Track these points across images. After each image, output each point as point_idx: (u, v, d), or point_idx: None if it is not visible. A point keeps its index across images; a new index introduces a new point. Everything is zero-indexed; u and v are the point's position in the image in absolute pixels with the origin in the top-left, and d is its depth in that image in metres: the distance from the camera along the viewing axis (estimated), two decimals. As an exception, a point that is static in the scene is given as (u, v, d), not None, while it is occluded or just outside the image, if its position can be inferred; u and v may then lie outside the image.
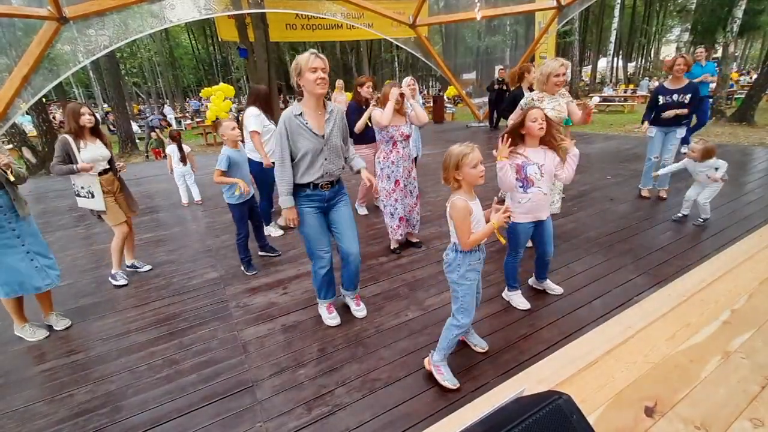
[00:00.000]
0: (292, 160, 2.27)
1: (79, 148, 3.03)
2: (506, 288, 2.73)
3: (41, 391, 2.16)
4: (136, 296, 3.16)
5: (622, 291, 2.75)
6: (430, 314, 2.62)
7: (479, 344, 2.25)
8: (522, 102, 3.34)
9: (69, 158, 3.00)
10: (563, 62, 3.04)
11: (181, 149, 5.41)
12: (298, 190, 2.33)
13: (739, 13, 10.48)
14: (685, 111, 4.06)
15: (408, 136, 3.40)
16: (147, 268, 3.67)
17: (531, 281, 2.87)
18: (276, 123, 3.27)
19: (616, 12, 20.66)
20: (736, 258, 2.56)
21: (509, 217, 1.81)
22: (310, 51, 2.14)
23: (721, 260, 2.63)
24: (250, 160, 3.88)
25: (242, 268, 3.45)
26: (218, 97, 12.04)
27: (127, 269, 3.60)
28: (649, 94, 17.78)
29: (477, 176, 1.77)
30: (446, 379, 1.98)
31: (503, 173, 2.21)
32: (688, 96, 4.06)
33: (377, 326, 2.54)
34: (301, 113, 2.22)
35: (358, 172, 2.54)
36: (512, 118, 3.31)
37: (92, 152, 3.08)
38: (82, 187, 3.11)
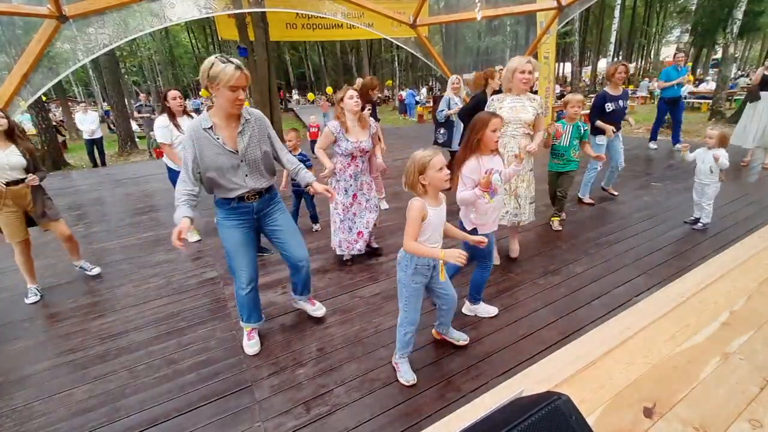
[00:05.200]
0: (203, 173, 2.03)
1: None
2: (469, 302, 2.60)
3: (40, 390, 2.16)
4: (134, 295, 3.16)
5: (622, 291, 2.75)
6: (428, 314, 2.61)
7: (460, 338, 2.28)
8: (486, 107, 3.05)
9: None
10: (530, 59, 2.85)
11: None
12: (222, 201, 2.12)
13: (739, 14, 10.48)
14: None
15: (367, 152, 3.19)
16: (96, 271, 3.52)
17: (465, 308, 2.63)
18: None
19: (617, 13, 20.65)
20: (736, 259, 2.56)
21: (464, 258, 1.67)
22: (236, 64, 1.84)
23: (721, 261, 2.62)
24: (170, 169, 4.01)
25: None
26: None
27: (77, 270, 3.54)
28: (649, 95, 17.84)
29: (442, 179, 1.76)
30: (402, 375, 2.04)
31: (471, 196, 2.15)
32: (627, 101, 4.42)
33: (376, 326, 2.54)
34: (211, 126, 1.95)
35: (308, 186, 2.28)
36: None
37: None
38: None
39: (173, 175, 3.93)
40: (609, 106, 4.28)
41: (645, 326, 1.95)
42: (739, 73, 22.23)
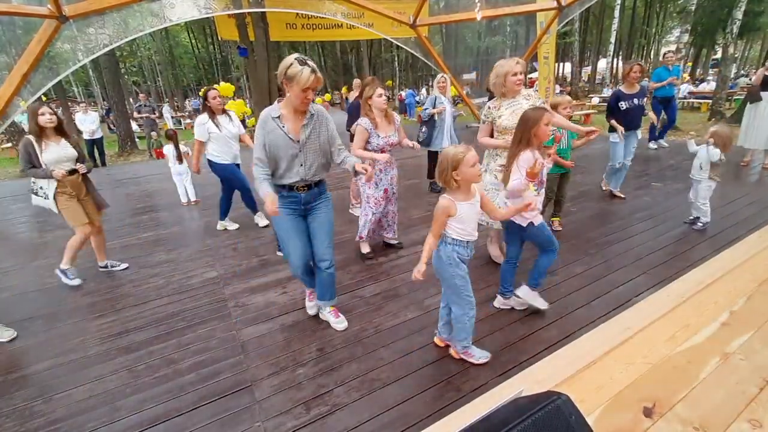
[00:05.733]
0: (269, 158, 2.20)
1: (41, 150, 2.97)
2: (528, 287, 2.54)
3: (40, 390, 2.16)
4: (134, 295, 3.16)
5: (621, 291, 2.75)
6: (429, 314, 2.62)
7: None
8: (482, 114, 3.03)
9: (32, 160, 2.95)
10: (519, 60, 2.83)
11: (177, 148, 5.41)
12: (277, 190, 2.24)
13: (738, 14, 10.48)
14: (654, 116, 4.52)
15: (395, 145, 3.32)
16: (123, 266, 3.66)
17: (498, 301, 2.68)
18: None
19: (616, 13, 20.66)
20: (735, 259, 2.56)
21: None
22: (311, 68, 1.99)
23: (720, 261, 2.62)
24: (211, 162, 4.16)
25: None
26: (238, 104, 12.08)
27: (101, 270, 3.63)
28: (649, 95, 17.85)
29: (476, 174, 1.83)
30: (479, 358, 2.13)
31: (522, 185, 2.22)
32: (644, 99, 4.38)
33: (376, 326, 2.54)
34: (279, 116, 2.14)
35: (354, 170, 2.31)
36: (482, 134, 3.01)
37: (55, 153, 3.02)
38: (41, 188, 3.10)
39: (216, 168, 4.17)
40: (622, 105, 4.33)
41: (645, 326, 1.95)
42: (742, 73, 22.24)
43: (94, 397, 2.09)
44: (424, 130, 5.21)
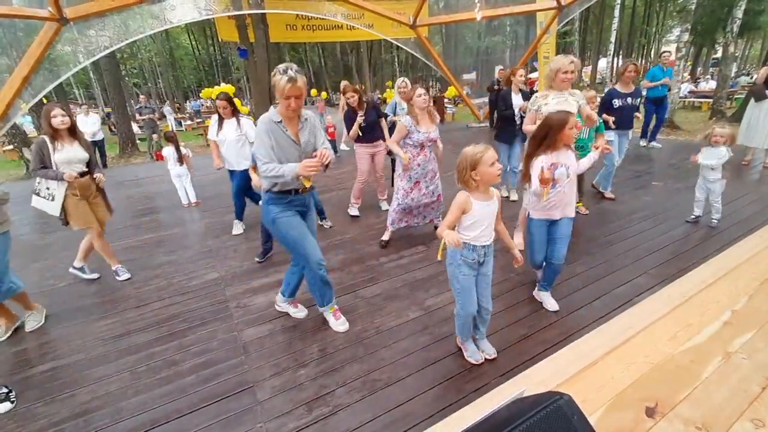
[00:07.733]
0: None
1: (54, 150, 2.96)
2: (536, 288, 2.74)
3: (42, 392, 2.16)
4: (136, 297, 3.16)
5: (623, 291, 2.75)
6: (430, 314, 2.62)
7: (486, 351, 2.19)
8: (528, 104, 3.30)
9: (45, 160, 2.94)
10: (573, 59, 3.05)
11: (178, 150, 5.41)
12: (280, 196, 2.28)
13: (739, 13, 10.45)
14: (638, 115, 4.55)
15: (435, 140, 3.47)
16: (126, 276, 3.47)
17: (534, 292, 2.76)
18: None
19: (616, 12, 20.60)
20: (737, 258, 2.56)
21: (459, 243, 1.77)
22: (289, 75, 1.99)
23: (722, 261, 2.62)
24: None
25: (256, 257, 3.64)
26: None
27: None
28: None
29: (494, 174, 1.82)
30: (469, 355, 2.16)
31: (538, 191, 2.29)
32: (638, 99, 4.45)
33: (377, 326, 2.54)
34: (281, 120, 2.18)
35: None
36: (529, 121, 3.21)
37: (67, 154, 3.00)
38: (47, 188, 3.03)
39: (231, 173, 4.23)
40: (616, 102, 4.40)
41: (646, 326, 1.95)
42: (742, 71, 22.17)
43: (96, 398, 2.09)
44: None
